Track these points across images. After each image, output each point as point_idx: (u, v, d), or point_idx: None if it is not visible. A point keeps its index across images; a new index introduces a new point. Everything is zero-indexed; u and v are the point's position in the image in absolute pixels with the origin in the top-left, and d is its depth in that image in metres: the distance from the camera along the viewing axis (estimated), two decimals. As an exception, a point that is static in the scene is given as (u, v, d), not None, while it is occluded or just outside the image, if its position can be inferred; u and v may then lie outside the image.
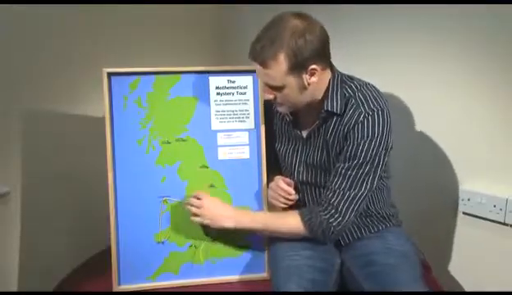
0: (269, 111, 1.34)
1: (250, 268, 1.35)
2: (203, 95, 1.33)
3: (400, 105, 1.57)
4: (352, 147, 1.16)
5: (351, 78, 1.24)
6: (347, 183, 1.16)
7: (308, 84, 1.15)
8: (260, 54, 1.12)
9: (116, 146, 1.30)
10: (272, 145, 1.38)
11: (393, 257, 1.19)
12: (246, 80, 1.34)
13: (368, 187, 1.16)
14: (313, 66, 1.13)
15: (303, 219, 1.19)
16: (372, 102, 1.17)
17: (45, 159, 1.44)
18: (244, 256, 1.35)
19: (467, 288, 1.51)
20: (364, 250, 1.25)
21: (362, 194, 1.16)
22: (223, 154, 1.33)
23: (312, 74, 1.14)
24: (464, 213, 1.49)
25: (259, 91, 1.33)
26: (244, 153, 1.34)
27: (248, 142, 1.34)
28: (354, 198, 1.16)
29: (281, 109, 1.25)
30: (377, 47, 1.59)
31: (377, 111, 1.16)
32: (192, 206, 1.27)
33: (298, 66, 1.11)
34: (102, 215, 1.32)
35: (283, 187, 1.27)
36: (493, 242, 1.44)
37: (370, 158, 1.15)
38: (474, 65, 1.40)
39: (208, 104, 1.33)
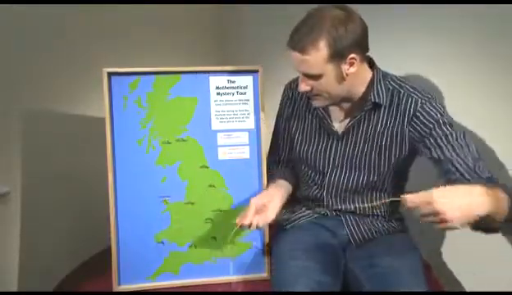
0: (286, 111, 1.34)
1: (250, 268, 1.35)
2: (203, 95, 1.33)
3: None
4: (432, 129, 1.16)
5: (388, 74, 1.25)
6: (468, 153, 1.12)
7: (347, 75, 1.14)
8: (299, 41, 1.11)
9: (116, 146, 1.30)
10: (272, 145, 1.38)
11: (396, 260, 1.19)
12: (246, 80, 1.34)
13: (472, 142, 1.15)
14: (353, 55, 1.12)
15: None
16: (423, 92, 1.19)
17: (45, 159, 1.44)
18: (244, 256, 1.35)
19: (467, 288, 1.51)
20: (367, 251, 1.24)
21: (477, 152, 1.14)
22: (223, 154, 1.33)
23: (351, 65, 1.13)
24: (464, 213, 1.48)
25: (259, 91, 1.33)
26: (244, 153, 1.34)
27: (248, 143, 1.34)
28: (479, 159, 1.12)
29: (316, 102, 1.21)
30: (377, 47, 1.59)
31: (431, 97, 1.18)
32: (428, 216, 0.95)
33: (337, 55, 1.10)
34: (102, 215, 1.32)
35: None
36: (493, 242, 1.44)
37: (454, 127, 1.15)
38: (474, 66, 1.40)
39: (208, 104, 1.33)
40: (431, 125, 1.16)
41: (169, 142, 1.31)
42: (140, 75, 1.30)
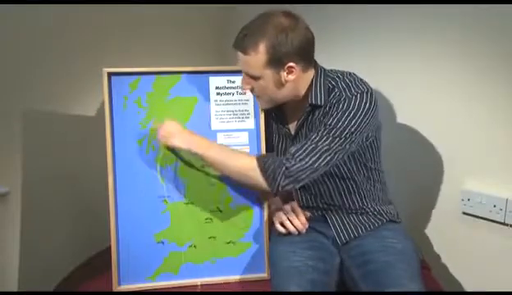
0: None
1: (250, 268, 1.34)
2: (203, 95, 1.33)
3: (400, 105, 1.57)
4: (326, 120, 1.16)
5: (332, 71, 1.25)
6: (312, 140, 1.15)
7: (286, 81, 1.17)
8: (242, 42, 1.15)
9: (116, 146, 1.30)
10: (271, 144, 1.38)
11: (389, 255, 1.19)
12: (246, 80, 1.33)
13: (330, 147, 1.13)
14: (291, 64, 1.15)
15: (257, 157, 1.18)
16: (354, 88, 1.18)
17: (45, 159, 1.44)
18: (244, 256, 1.35)
19: (467, 288, 1.51)
20: (361, 249, 1.24)
21: (322, 150, 1.13)
22: (223, 154, 1.33)
23: (290, 72, 1.16)
24: (463, 213, 1.49)
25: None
26: (244, 153, 1.34)
27: (248, 143, 1.34)
28: (312, 150, 1.13)
29: (260, 104, 1.27)
30: (378, 47, 1.59)
31: (357, 94, 1.16)
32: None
33: (275, 61, 1.14)
34: (102, 215, 1.31)
35: (302, 219, 1.26)
36: (493, 242, 1.44)
37: (340, 127, 1.14)
38: (475, 65, 1.40)
39: (208, 104, 1.33)
40: (329, 115, 1.16)
41: (169, 142, 1.31)
42: (140, 75, 1.30)
